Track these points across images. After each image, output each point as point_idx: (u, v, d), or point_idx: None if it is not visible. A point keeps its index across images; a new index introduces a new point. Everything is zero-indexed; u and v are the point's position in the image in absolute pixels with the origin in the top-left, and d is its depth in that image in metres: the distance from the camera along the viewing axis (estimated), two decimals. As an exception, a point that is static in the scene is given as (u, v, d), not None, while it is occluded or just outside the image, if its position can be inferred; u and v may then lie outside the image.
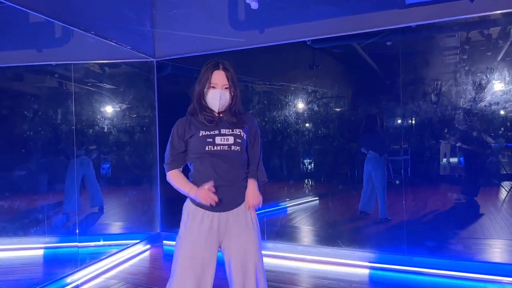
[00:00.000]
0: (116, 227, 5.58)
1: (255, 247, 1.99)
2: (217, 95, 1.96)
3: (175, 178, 2.00)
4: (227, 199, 1.97)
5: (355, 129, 5.89)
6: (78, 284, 3.61)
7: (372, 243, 4.54)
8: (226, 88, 1.98)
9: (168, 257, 4.45)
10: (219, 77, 1.96)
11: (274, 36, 4.32)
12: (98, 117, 5.33)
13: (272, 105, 6.38)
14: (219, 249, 2.01)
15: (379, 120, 5.32)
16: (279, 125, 6.22)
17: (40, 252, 4.53)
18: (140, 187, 5.28)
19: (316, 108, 6.21)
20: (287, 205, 6.45)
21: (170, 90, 5.34)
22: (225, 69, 1.97)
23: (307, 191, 7.02)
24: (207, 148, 1.94)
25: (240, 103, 2.05)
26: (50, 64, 4.98)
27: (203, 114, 1.98)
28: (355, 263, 3.99)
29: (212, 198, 1.86)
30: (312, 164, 7.19)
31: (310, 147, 6.91)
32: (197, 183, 1.96)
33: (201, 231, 1.93)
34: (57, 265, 4.25)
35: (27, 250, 4.52)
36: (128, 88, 5.36)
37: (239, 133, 1.99)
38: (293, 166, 7.14)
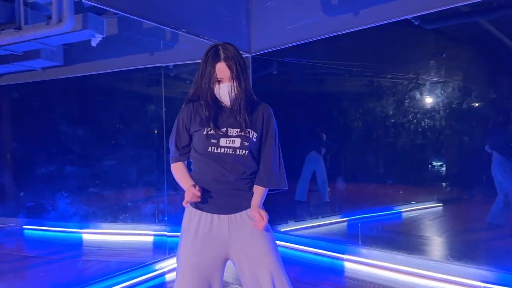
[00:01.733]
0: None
1: (267, 250, 1.73)
2: (226, 90, 1.75)
3: (177, 170, 1.84)
4: (228, 202, 1.76)
5: (482, 123, 4.92)
6: (164, 271, 3.75)
7: (494, 259, 3.69)
8: (233, 79, 1.74)
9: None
10: (223, 70, 1.73)
11: (369, 18, 3.86)
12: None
13: (377, 96, 5.72)
14: (227, 259, 1.80)
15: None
16: (392, 120, 5.59)
17: (133, 238, 4.91)
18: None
19: (441, 99, 5.41)
20: (402, 209, 5.76)
21: (266, 86, 5.26)
22: (227, 59, 1.72)
23: (431, 195, 6.20)
24: (209, 149, 1.74)
25: (252, 91, 1.81)
26: (160, 66, 5.25)
27: (211, 108, 1.77)
28: (467, 282, 3.29)
29: (194, 194, 1.65)
30: (444, 166, 6.32)
31: (438, 146, 6.07)
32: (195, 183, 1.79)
33: (199, 235, 1.75)
34: (148, 251, 4.54)
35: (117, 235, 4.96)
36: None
37: (247, 134, 1.75)
38: (414, 167, 6.37)
